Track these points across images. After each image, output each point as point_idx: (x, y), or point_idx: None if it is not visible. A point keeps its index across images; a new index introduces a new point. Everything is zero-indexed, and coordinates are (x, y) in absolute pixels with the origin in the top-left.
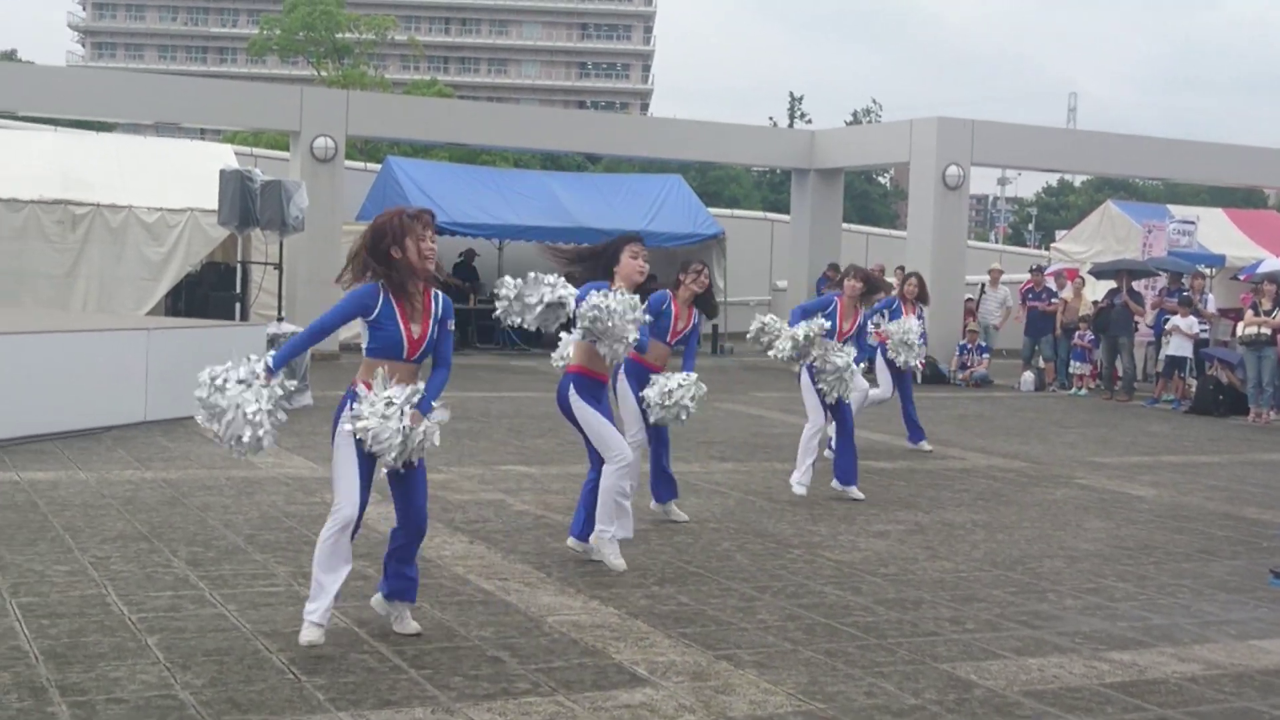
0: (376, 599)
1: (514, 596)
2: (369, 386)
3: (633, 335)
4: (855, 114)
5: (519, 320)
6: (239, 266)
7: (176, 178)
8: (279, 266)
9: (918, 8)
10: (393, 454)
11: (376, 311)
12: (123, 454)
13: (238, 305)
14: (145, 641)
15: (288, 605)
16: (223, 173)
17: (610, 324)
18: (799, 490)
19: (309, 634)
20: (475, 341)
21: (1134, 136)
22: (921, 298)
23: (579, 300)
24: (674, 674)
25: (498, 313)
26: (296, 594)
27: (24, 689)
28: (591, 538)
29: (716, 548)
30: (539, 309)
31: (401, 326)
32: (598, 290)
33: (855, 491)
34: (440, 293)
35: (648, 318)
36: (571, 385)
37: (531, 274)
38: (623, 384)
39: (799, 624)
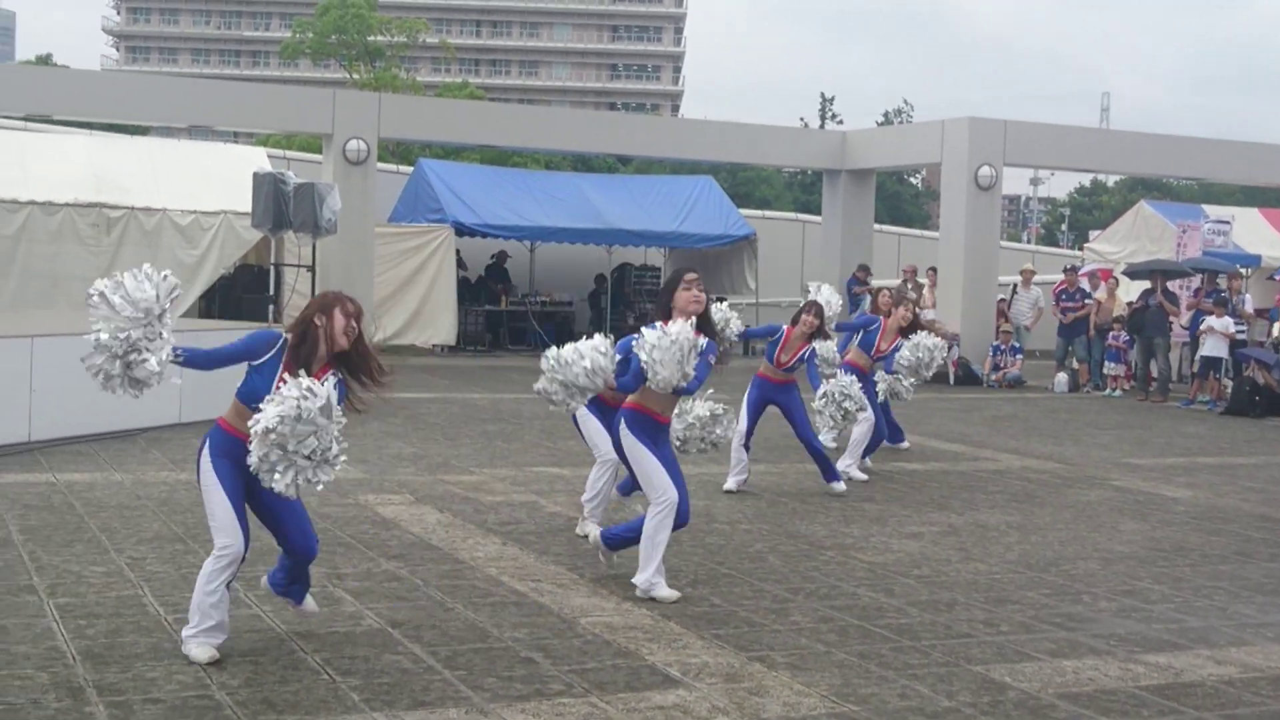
0: (265, 583)
1: (547, 598)
2: (230, 428)
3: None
4: (886, 114)
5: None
6: (272, 269)
7: (210, 181)
8: (312, 269)
9: (949, 7)
10: (303, 446)
11: (264, 360)
12: (158, 455)
13: (271, 307)
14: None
15: (322, 606)
16: (256, 175)
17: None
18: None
19: (204, 652)
20: (506, 343)
21: (1167, 136)
22: (911, 329)
23: (621, 351)
24: (707, 675)
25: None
26: (331, 595)
27: (62, 689)
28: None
29: (749, 549)
30: (583, 382)
31: (275, 386)
32: (649, 328)
33: (839, 486)
34: (339, 379)
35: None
36: (624, 421)
37: (567, 357)
38: (583, 410)
39: (832, 626)
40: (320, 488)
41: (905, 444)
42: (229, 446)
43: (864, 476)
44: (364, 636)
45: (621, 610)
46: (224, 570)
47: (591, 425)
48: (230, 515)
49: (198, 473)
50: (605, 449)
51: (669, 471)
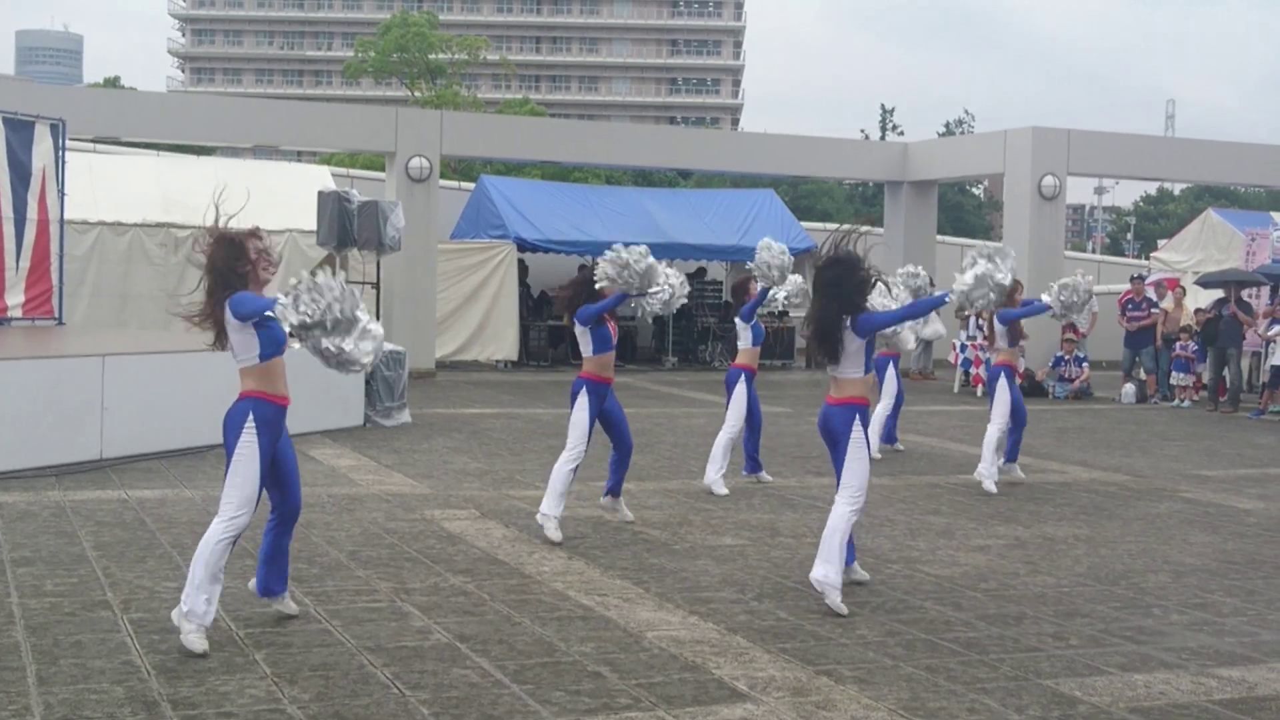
0: (253, 586)
1: (613, 612)
2: (267, 395)
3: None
4: (948, 125)
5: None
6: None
7: (275, 199)
8: (376, 286)
9: (1012, 17)
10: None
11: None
12: (225, 443)
13: None
14: (253, 656)
15: (390, 621)
16: (321, 194)
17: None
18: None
19: (200, 642)
20: (571, 359)
21: (1233, 143)
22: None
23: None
24: (774, 689)
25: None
26: (399, 610)
27: (137, 703)
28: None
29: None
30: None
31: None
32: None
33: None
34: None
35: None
36: (857, 417)
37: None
38: (581, 398)
39: (899, 639)
40: (369, 358)
41: (900, 446)
42: (270, 415)
43: (993, 489)
44: (432, 651)
45: (688, 624)
46: (231, 541)
47: (580, 418)
48: (256, 490)
49: (231, 439)
50: (576, 446)
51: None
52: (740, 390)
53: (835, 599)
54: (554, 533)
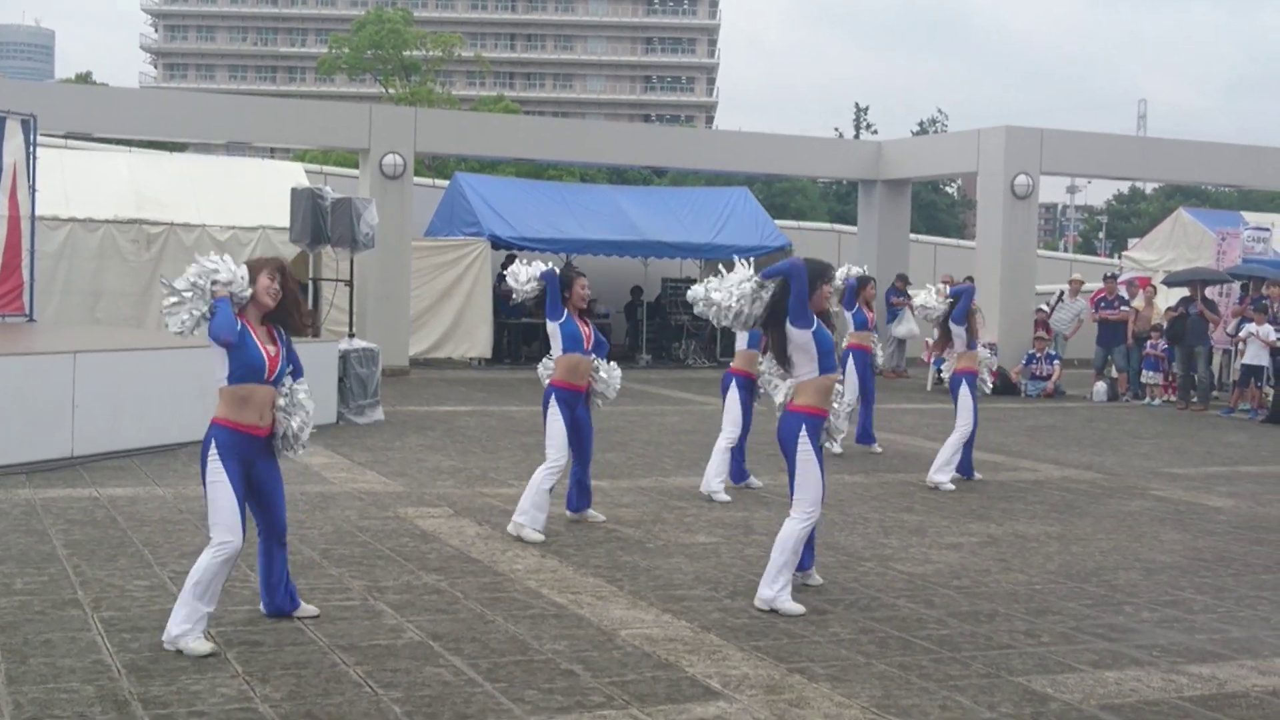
0: (267, 612)
1: (586, 610)
2: (230, 423)
3: None
4: (921, 124)
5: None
6: (310, 284)
7: (248, 196)
8: (350, 283)
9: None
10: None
11: (238, 335)
12: (199, 470)
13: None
14: (225, 655)
15: (363, 619)
16: (294, 191)
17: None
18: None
19: (203, 644)
20: (543, 356)
21: (1205, 143)
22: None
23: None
24: (747, 687)
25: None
26: (372, 608)
27: (107, 702)
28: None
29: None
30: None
31: (259, 347)
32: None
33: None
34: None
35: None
36: (804, 427)
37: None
38: (552, 407)
39: (872, 637)
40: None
41: (878, 448)
42: (233, 441)
43: (951, 487)
44: (405, 649)
45: (661, 622)
46: (223, 565)
47: (556, 428)
48: (235, 512)
49: (203, 470)
50: (555, 456)
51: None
52: (734, 395)
53: (789, 608)
54: (533, 534)
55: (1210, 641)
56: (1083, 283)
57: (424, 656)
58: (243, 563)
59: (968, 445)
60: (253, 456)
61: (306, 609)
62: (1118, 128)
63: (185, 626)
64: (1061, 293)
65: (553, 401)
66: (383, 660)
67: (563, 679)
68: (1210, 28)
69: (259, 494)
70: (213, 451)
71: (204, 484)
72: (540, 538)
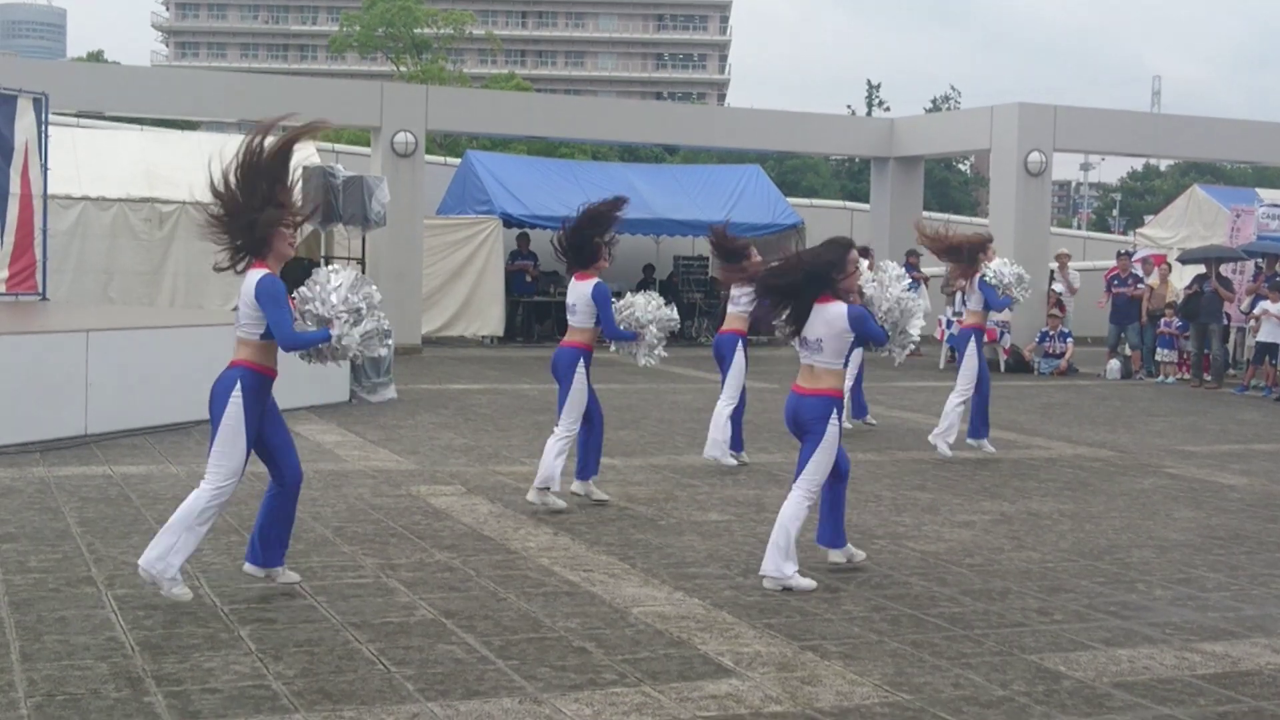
0: (250, 568)
1: (599, 588)
2: (258, 366)
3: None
4: (934, 101)
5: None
6: (322, 261)
7: None
8: (361, 261)
9: None
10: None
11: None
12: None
13: None
14: (238, 633)
15: (375, 596)
16: (306, 169)
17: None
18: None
19: (184, 591)
20: (557, 334)
21: (1220, 119)
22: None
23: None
24: (760, 665)
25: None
26: (385, 585)
27: (121, 679)
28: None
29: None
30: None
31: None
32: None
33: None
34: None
35: None
36: (835, 410)
37: None
38: (580, 368)
39: (885, 615)
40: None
41: (872, 420)
42: (259, 385)
43: (948, 453)
44: (418, 627)
45: (673, 600)
46: (218, 508)
47: (579, 390)
48: (244, 458)
49: (219, 408)
50: (570, 423)
51: None
52: (739, 358)
53: (798, 583)
54: (556, 500)
55: (1223, 619)
56: (1069, 256)
57: (436, 634)
58: None
59: (982, 409)
60: (266, 399)
61: (288, 574)
62: (1131, 104)
63: (168, 560)
64: (1051, 270)
65: (580, 362)
66: (395, 638)
67: (575, 656)
68: (1224, 2)
69: (272, 442)
70: (237, 392)
71: (215, 423)
72: (561, 503)
